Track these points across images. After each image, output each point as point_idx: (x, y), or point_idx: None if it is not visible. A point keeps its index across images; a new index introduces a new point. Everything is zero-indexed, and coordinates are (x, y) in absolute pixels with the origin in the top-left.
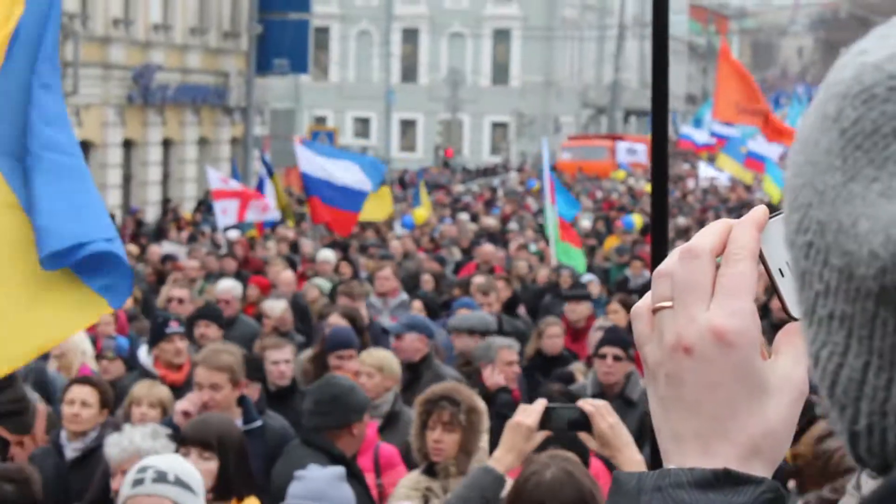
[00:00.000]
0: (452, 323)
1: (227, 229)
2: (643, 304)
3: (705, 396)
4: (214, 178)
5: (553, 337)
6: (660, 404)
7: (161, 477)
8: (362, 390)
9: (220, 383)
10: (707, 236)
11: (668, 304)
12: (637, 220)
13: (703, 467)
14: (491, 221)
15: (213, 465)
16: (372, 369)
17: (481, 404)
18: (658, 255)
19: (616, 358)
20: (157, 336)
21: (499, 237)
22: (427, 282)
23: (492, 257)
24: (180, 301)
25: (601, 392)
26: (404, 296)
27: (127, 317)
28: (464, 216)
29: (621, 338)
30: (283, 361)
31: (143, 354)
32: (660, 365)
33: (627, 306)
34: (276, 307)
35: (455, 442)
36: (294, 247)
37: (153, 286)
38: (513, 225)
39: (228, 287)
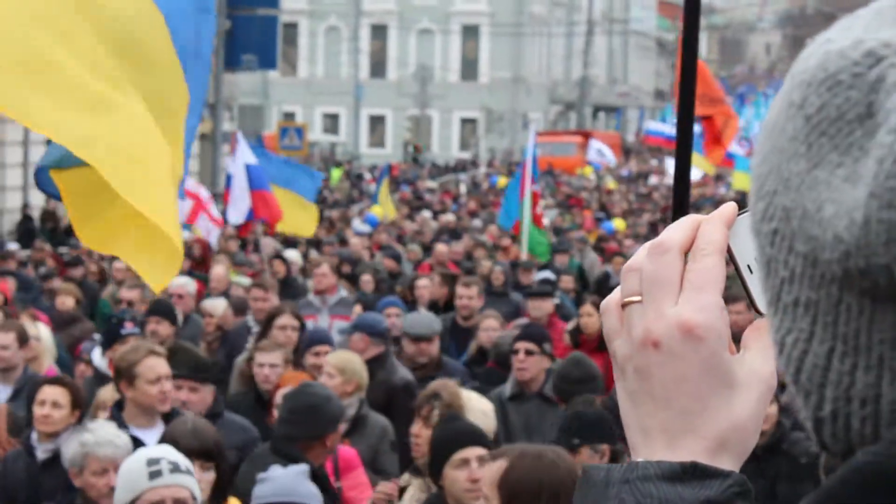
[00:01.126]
0: (403, 328)
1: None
2: (612, 298)
3: (673, 391)
4: None
5: (488, 330)
6: (628, 398)
7: (176, 467)
8: (339, 400)
9: None
10: (676, 231)
11: (637, 298)
12: (619, 224)
13: (670, 460)
14: (450, 218)
15: (212, 474)
16: (334, 370)
17: (464, 403)
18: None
19: (528, 352)
20: (111, 337)
21: (459, 234)
22: (367, 282)
23: (445, 256)
24: (130, 304)
25: (520, 391)
26: (343, 293)
27: (69, 318)
28: (426, 213)
29: (536, 332)
30: (269, 365)
31: (98, 356)
32: (628, 359)
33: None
34: (218, 306)
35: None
36: (256, 245)
37: (99, 285)
38: (477, 222)
39: (182, 282)
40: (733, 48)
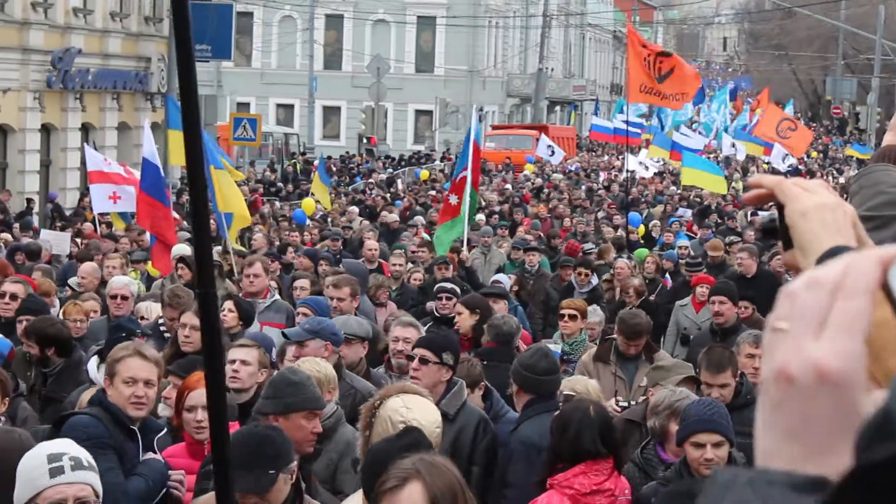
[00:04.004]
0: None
1: (103, 215)
2: (772, 317)
3: (801, 428)
4: (95, 158)
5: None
6: (762, 420)
7: (79, 464)
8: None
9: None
10: (836, 267)
11: (785, 325)
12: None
13: (802, 472)
14: (394, 217)
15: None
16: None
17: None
18: None
19: (423, 360)
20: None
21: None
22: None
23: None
24: (13, 297)
25: None
26: (276, 296)
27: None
28: (353, 209)
29: (434, 340)
30: (240, 361)
31: (94, 367)
32: (766, 383)
33: (470, 306)
34: (154, 308)
35: (365, 442)
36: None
37: None
38: (417, 218)
39: (124, 282)
40: (690, 42)
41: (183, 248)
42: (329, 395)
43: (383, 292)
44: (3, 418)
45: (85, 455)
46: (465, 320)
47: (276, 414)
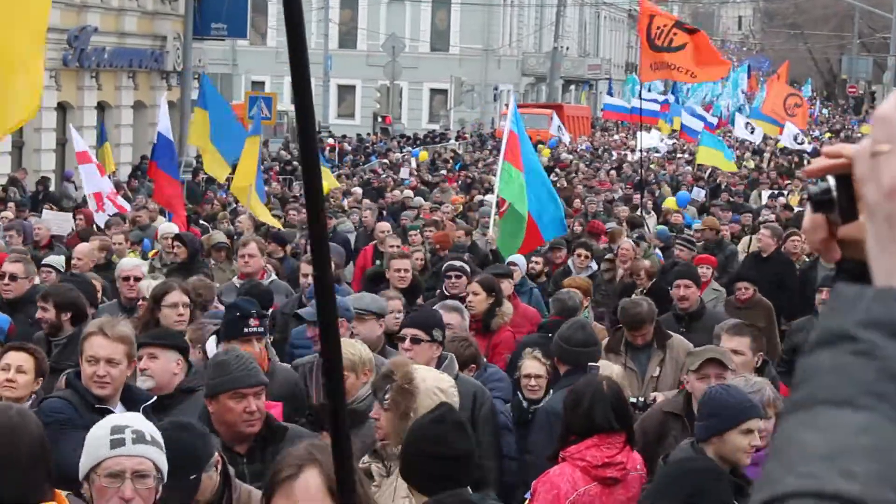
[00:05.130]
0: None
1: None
2: (864, 145)
3: None
4: (80, 141)
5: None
6: (876, 243)
7: (140, 437)
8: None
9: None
10: None
11: (887, 148)
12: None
13: None
14: (408, 194)
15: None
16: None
17: (417, 385)
18: None
19: (415, 340)
20: (233, 333)
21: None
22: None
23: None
24: (13, 277)
25: None
26: (273, 276)
27: None
28: (357, 190)
29: (424, 318)
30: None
31: (212, 349)
32: (877, 206)
33: (486, 287)
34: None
35: (389, 420)
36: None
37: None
38: (418, 199)
39: (135, 263)
40: (705, 21)
41: (172, 227)
42: (364, 378)
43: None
44: (34, 396)
45: (149, 429)
46: (481, 302)
47: (207, 398)
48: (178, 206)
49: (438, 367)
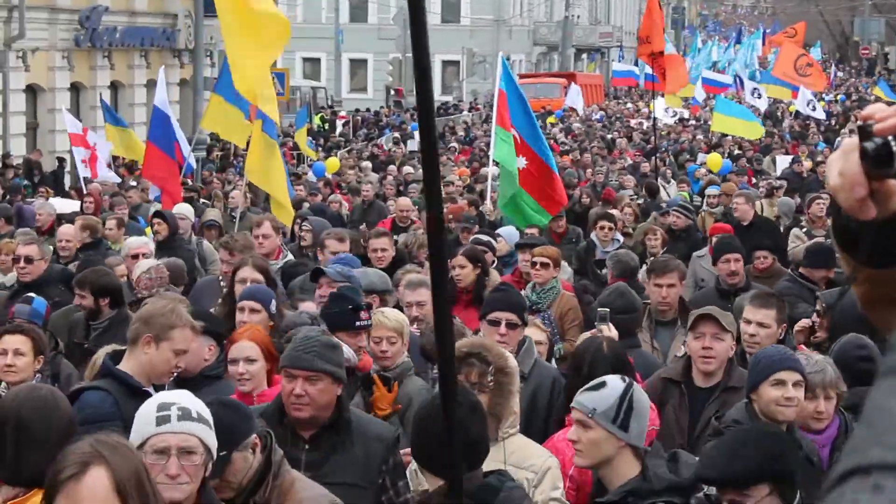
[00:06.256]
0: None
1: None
2: None
3: None
4: (72, 123)
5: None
6: None
7: (186, 414)
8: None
9: None
10: None
11: None
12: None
13: None
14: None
15: None
16: (394, 333)
17: (512, 364)
18: None
19: (511, 325)
20: (342, 324)
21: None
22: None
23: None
24: (28, 260)
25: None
26: (289, 256)
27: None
28: (366, 164)
29: (517, 302)
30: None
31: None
32: None
33: (472, 259)
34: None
35: (496, 402)
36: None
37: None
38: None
39: (143, 241)
40: None
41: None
42: (405, 347)
43: (424, 251)
44: (39, 376)
45: (197, 406)
46: (468, 274)
47: (277, 373)
48: (171, 183)
49: (518, 350)
